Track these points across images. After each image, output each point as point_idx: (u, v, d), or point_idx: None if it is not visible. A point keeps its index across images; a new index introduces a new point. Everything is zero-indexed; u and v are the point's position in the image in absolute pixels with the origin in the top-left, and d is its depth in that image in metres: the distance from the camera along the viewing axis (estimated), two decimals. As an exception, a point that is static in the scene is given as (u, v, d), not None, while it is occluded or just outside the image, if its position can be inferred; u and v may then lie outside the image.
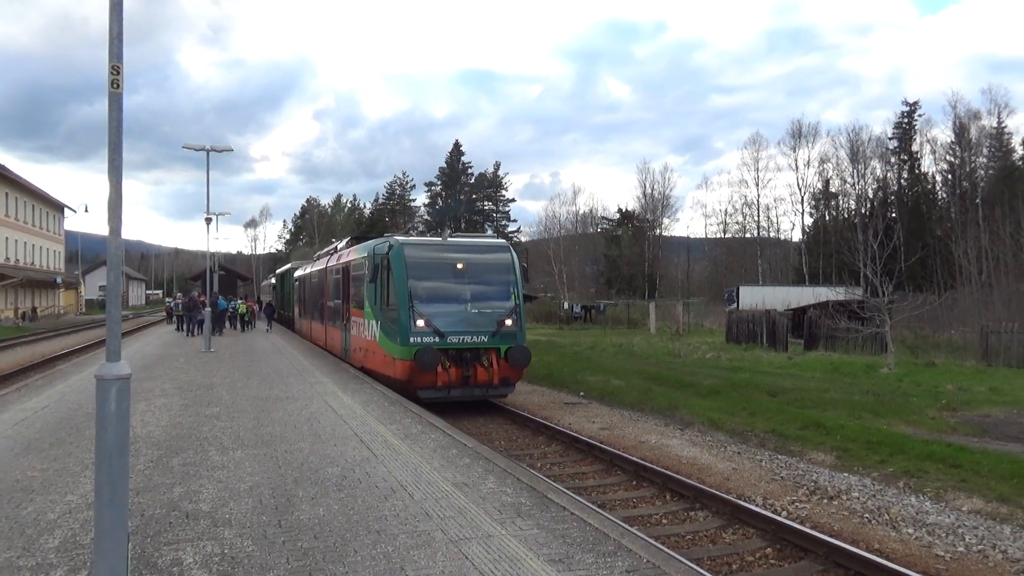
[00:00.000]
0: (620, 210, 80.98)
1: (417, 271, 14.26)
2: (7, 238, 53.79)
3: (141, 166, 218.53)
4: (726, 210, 77.04)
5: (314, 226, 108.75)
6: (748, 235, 75.00)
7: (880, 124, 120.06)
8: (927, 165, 67.00)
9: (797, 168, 71.18)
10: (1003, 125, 63.89)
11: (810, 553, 7.00)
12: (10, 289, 52.05)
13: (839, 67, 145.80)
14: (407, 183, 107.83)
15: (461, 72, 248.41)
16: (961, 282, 47.20)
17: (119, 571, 4.41)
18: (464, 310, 14.28)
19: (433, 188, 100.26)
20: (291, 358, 20.69)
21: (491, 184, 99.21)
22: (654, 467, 9.97)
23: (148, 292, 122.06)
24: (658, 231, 78.48)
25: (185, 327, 31.85)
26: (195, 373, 16.74)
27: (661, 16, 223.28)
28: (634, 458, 10.48)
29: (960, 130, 62.95)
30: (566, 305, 57.37)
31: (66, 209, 69.60)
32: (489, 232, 75.85)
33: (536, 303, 57.61)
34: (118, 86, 4.65)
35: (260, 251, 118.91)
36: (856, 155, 67.56)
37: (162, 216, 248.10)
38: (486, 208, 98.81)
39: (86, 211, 73.57)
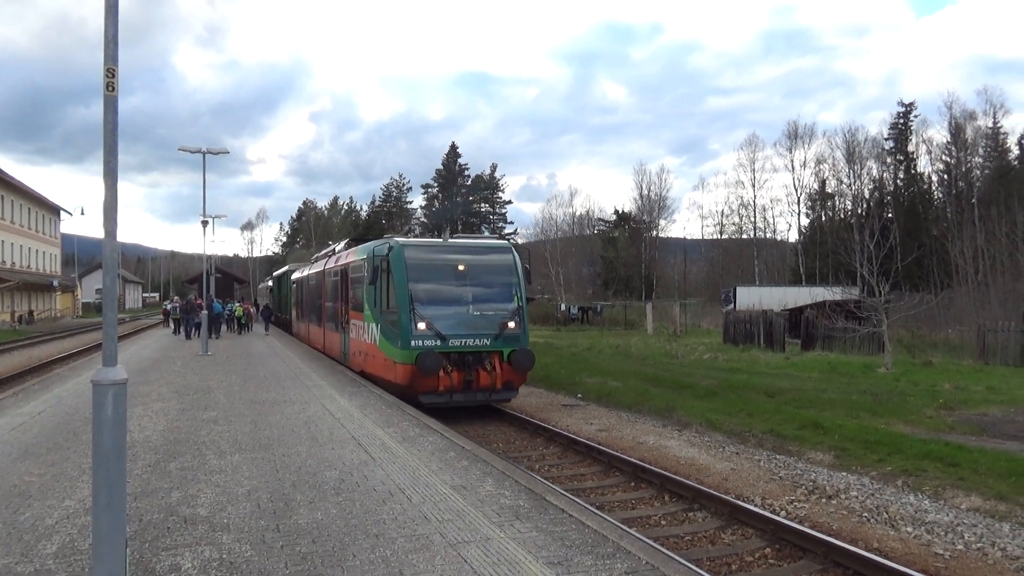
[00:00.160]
0: (617, 212, 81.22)
1: (418, 273, 13.97)
2: (3, 241, 53.66)
3: (137, 168, 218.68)
4: (723, 211, 77.20)
5: (311, 229, 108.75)
6: (745, 236, 75.11)
7: (876, 125, 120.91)
8: (923, 165, 67.28)
9: (793, 169, 71.40)
10: (999, 125, 64.21)
11: (809, 552, 7.00)
12: (6, 292, 51.93)
13: (835, 69, 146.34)
14: (404, 185, 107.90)
15: (458, 74, 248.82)
16: (957, 281, 47.28)
17: (117, 576, 4.39)
18: (466, 312, 13.96)
19: (430, 190, 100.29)
20: (288, 361, 20.66)
21: (488, 186, 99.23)
22: (652, 468, 9.96)
23: (145, 295, 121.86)
24: (655, 232, 78.60)
25: (183, 330, 31.80)
26: (192, 377, 16.70)
27: (657, 18, 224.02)
28: (632, 459, 10.48)
29: (956, 130, 63.12)
30: (563, 307, 57.38)
31: (62, 212, 69.50)
32: (486, 234, 75.79)
33: (533, 305, 57.49)
34: (113, 89, 4.64)
35: (257, 254, 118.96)
36: (852, 156, 67.76)
37: (158, 219, 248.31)
38: (483, 210, 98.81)
39: (82, 214, 73.11)
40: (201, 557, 5.23)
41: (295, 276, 32.52)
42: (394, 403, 12.64)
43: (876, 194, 66.97)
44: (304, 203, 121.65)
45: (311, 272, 26.60)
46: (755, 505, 8.47)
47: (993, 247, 46.42)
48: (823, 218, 69.97)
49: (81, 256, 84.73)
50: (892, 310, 23.80)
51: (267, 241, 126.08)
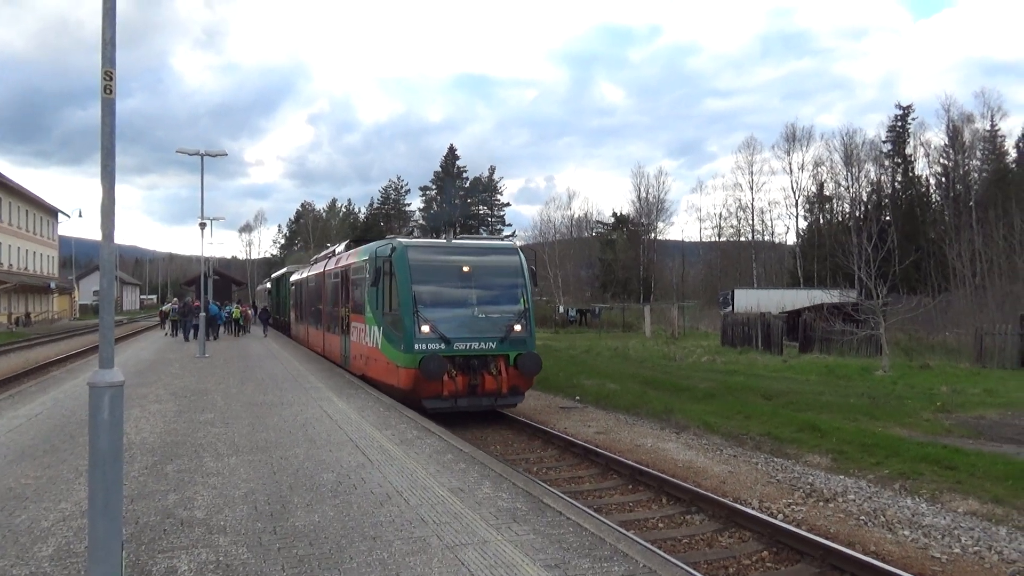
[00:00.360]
0: (615, 214, 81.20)
1: (421, 274, 13.62)
2: (0, 243, 53.60)
3: (135, 171, 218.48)
4: (721, 214, 77.28)
5: (309, 231, 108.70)
6: (743, 238, 75.16)
7: (874, 127, 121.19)
8: (921, 168, 67.37)
9: (791, 171, 71.38)
10: (996, 128, 64.31)
11: (806, 556, 7.00)
12: (4, 294, 51.83)
13: (833, 71, 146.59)
14: (402, 187, 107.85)
15: (456, 76, 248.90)
16: (955, 284, 47.36)
17: (113, 579, 4.38)
18: (471, 315, 13.61)
19: (428, 192, 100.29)
20: (286, 363, 20.64)
21: (486, 188, 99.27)
22: (650, 471, 9.96)
23: (143, 297, 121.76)
24: (653, 235, 78.56)
25: (181, 332, 31.78)
26: (189, 379, 16.68)
27: (656, 20, 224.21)
28: (630, 462, 10.48)
29: (953, 133, 63.24)
30: (561, 309, 57.36)
31: (60, 214, 69.44)
32: (483, 234, 75.80)
33: (531, 307, 57.39)
34: (111, 92, 4.64)
35: (255, 256, 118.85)
36: (850, 158, 67.83)
37: (156, 221, 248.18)
38: (481, 212, 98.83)
39: (80, 216, 73.06)
40: (197, 560, 5.22)
41: (294, 278, 32.27)
42: (392, 405, 12.63)
43: (874, 197, 67.07)
44: (302, 205, 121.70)
45: (310, 274, 26.34)
46: (753, 508, 8.47)
47: (991, 250, 46.48)
48: (821, 221, 70.05)
49: (79, 258, 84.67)
50: (890, 313, 23.82)
51: (265, 243, 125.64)
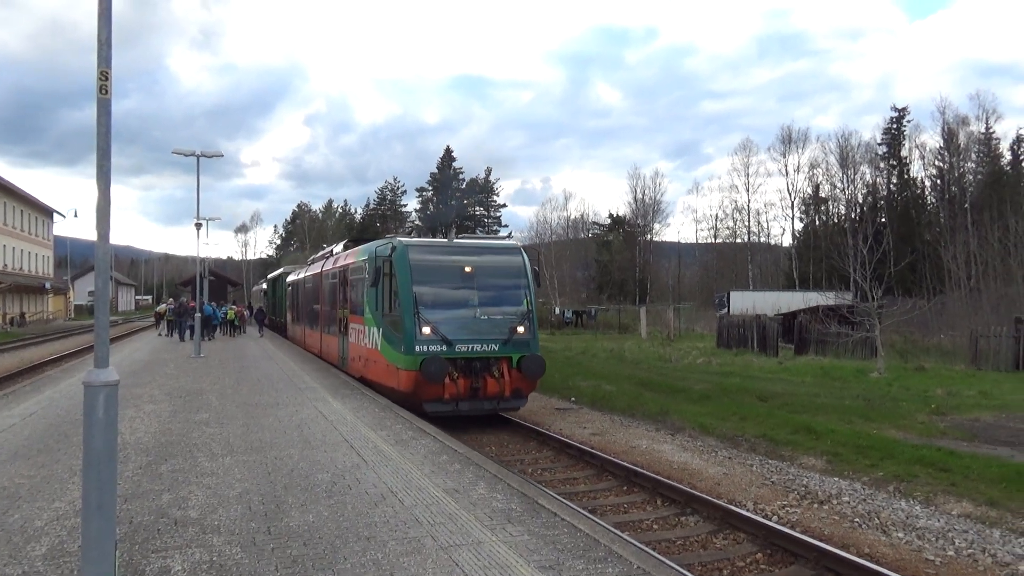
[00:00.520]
0: (611, 215, 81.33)
1: (422, 274, 13.32)
2: (-5, 243, 53.48)
3: (131, 171, 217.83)
4: (717, 215, 77.57)
5: (305, 231, 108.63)
6: (739, 240, 75.31)
7: (869, 130, 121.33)
8: (916, 170, 67.57)
9: (787, 173, 71.61)
10: (991, 130, 64.51)
11: (800, 558, 7.01)
12: (-2, 294, 51.71)
13: (829, 72, 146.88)
14: (398, 188, 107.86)
15: (453, 77, 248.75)
16: (950, 287, 47.47)
17: (106, 579, 4.37)
18: (473, 316, 13.32)
19: (424, 193, 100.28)
20: (281, 364, 20.61)
21: (482, 189, 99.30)
22: (645, 472, 9.97)
23: (138, 297, 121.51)
24: (649, 236, 78.66)
25: (176, 332, 31.74)
26: (185, 379, 16.65)
27: (652, 22, 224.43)
28: (625, 463, 10.48)
29: (949, 135, 63.44)
30: (557, 310, 57.39)
31: (55, 214, 69.31)
32: (478, 234, 75.78)
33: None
34: (107, 92, 4.63)
35: (251, 256, 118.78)
36: (846, 160, 68.00)
37: (152, 221, 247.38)
38: (477, 213, 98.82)
39: (75, 216, 73.28)
40: (191, 559, 5.22)
41: (291, 278, 32.02)
42: (387, 406, 12.62)
43: (869, 199, 67.27)
44: (298, 206, 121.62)
45: (308, 274, 26.10)
46: (747, 510, 8.48)
47: (986, 252, 46.60)
48: (817, 223, 70.21)
49: (74, 258, 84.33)
50: (885, 315, 23.89)
51: (261, 244, 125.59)
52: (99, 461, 4.51)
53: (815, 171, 70.19)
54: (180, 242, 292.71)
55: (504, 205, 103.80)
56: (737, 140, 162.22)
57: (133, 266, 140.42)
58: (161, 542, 5.58)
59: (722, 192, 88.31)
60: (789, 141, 70.95)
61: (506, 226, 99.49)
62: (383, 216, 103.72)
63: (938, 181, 65.24)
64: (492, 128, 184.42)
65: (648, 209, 78.34)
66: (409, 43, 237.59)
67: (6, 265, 55.47)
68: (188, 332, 29.53)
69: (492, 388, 13.07)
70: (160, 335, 35.33)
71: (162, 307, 41.08)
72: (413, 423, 10.96)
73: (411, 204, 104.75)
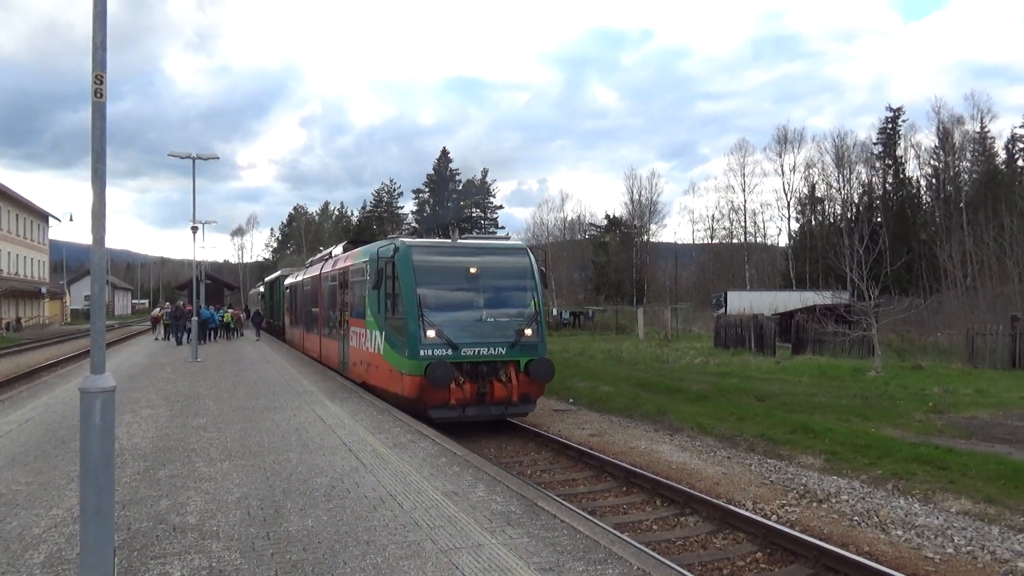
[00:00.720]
0: (608, 216, 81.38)
1: (426, 276, 12.90)
2: (-9, 248, 53.36)
3: (126, 174, 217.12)
4: (713, 216, 77.53)
5: (301, 234, 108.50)
6: (735, 240, 75.41)
7: (865, 130, 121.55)
8: (911, 170, 67.70)
9: (783, 173, 71.69)
10: (986, 130, 64.67)
11: (800, 557, 7.01)
12: (-6, 300, 51.58)
13: (824, 74, 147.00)
14: (395, 190, 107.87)
15: (449, 79, 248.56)
16: (946, 285, 47.55)
17: (105, 586, 4.36)
18: (479, 319, 12.92)
19: (421, 195, 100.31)
20: (279, 367, 20.58)
21: (479, 191, 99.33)
22: (644, 473, 9.97)
23: (134, 301, 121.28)
24: (646, 237, 78.73)
25: (174, 336, 31.70)
26: (182, 383, 16.62)
27: (648, 24, 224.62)
28: (624, 464, 10.49)
29: (944, 135, 63.59)
30: (554, 312, 57.39)
31: (51, 218, 69.14)
32: (480, 234, 75.70)
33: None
34: (101, 95, 4.62)
35: (247, 259, 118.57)
36: (841, 160, 68.13)
37: (147, 224, 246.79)
38: (474, 215, 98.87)
39: (71, 220, 72.76)
40: (190, 565, 5.20)
41: (289, 281, 31.59)
42: (385, 409, 12.60)
43: (865, 198, 67.39)
44: (295, 208, 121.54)
45: (306, 276, 25.66)
46: (746, 509, 8.49)
47: (981, 251, 46.71)
48: (813, 223, 70.30)
49: (70, 263, 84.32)
50: (882, 314, 23.91)
51: (258, 247, 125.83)
52: (96, 467, 4.49)
53: (811, 171, 70.41)
54: (176, 245, 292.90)
55: (501, 206, 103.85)
56: (733, 141, 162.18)
57: (129, 270, 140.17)
58: (160, 548, 5.56)
59: (718, 192, 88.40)
60: (785, 141, 71.13)
61: (503, 228, 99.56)
62: (380, 218, 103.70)
63: (933, 180, 65.38)
64: (488, 129, 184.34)
65: (645, 210, 78.45)
66: (405, 45, 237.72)
67: (1, 270, 55.34)
68: (185, 336, 29.50)
69: (499, 393, 12.68)
70: (157, 339, 35.28)
71: (157, 311, 41.01)
72: (411, 426, 10.95)
73: (408, 206, 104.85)
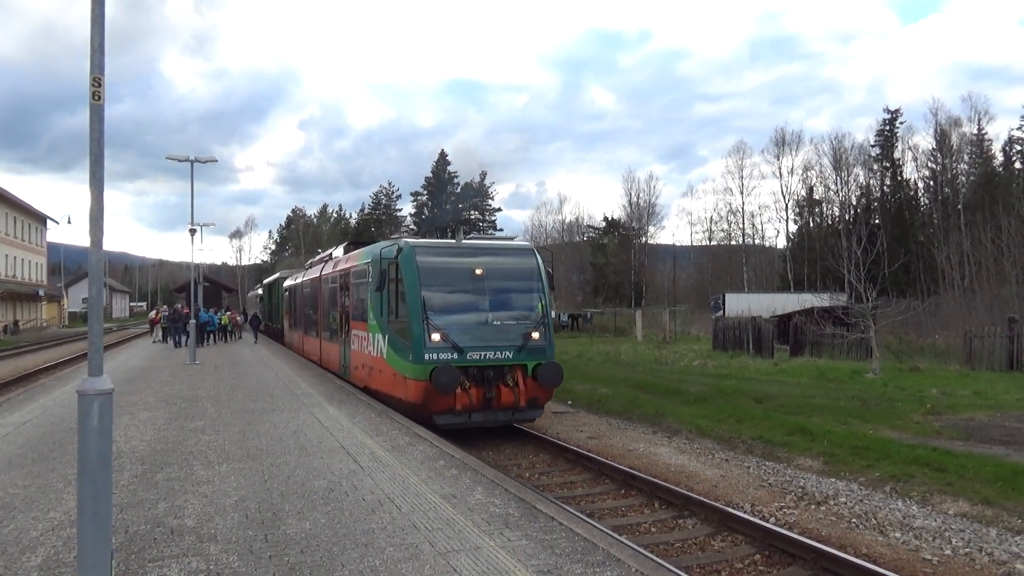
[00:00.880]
0: (606, 218, 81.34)
1: (430, 277, 12.54)
2: (-12, 251, 53.29)
3: (124, 176, 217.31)
4: (711, 218, 77.59)
5: (300, 236, 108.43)
6: (733, 242, 75.44)
7: (862, 132, 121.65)
8: (909, 172, 67.82)
9: (781, 176, 71.83)
10: (983, 132, 64.83)
11: (798, 559, 7.02)
12: (-9, 303, 51.51)
13: (822, 75, 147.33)
14: (393, 193, 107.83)
15: (447, 82, 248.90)
16: (944, 287, 47.61)
17: (102, 589, 4.35)
18: (485, 322, 12.56)
19: (419, 198, 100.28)
20: (277, 370, 20.56)
21: (477, 193, 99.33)
22: (642, 475, 9.98)
23: (132, 304, 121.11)
24: (644, 239, 78.75)
25: (172, 339, 31.69)
26: (180, 386, 16.60)
27: (646, 25, 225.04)
28: (622, 466, 10.49)
29: (941, 137, 63.72)
30: (552, 313, 57.32)
31: (48, 221, 69.07)
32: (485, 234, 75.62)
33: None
34: (99, 98, 4.62)
35: (245, 262, 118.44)
36: (839, 162, 68.23)
37: (145, 227, 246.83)
38: (472, 217, 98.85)
39: (69, 223, 72.65)
40: (188, 568, 5.19)
41: (288, 283, 31.20)
42: (383, 411, 12.59)
43: (863, 200, 67.45)
44: (293, 211, 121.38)
45: (306, 279, 25.26)
46: (744, 512, 8.49)
47: (979, 253, 46.77)
48: (811, 224, 70.38)
49: (68, 265, 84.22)
50: (879, 316, 23.94)
51: (256, 249, 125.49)
52: (94, 470, 4.49)
53: (809, 173, 70.50)
54: (174, 248, 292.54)
55: (499, 209, 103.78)
56: (731, 143, 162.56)
57: (127, 272, 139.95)
58: (157, 551, 5.55)
59: (716, 195, 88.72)
60: (783, 143, 71.25)
61: (501, 229, 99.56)
62: (378, 221, 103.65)
63: (931, 182, 65.48)
64: (487, 132, 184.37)
65: (643, 212, 78.51)
66: (403, 47, 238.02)
67: (-1, 273, 55.29)
68: (183, 339, 29.48)
69: (506, 398, 12.30)
70: (155, 342, 35.24)
71: (154, 313, 40.97)
72: (409, 428, 10.94)
73: (406, 208, 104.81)
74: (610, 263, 74.31)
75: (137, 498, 7.04)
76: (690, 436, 13.07)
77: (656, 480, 9.72)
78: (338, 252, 21.42)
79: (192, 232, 29.69)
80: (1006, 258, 42.63)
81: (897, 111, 68.24)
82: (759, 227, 75.44)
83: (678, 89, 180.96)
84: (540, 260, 13.72)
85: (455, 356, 12.04)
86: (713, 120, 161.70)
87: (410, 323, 12.30)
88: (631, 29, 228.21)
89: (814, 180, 70.25)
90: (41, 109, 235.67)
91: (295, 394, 14.95)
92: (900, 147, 67.67)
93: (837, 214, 68.55)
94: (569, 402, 17.41)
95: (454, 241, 13.66)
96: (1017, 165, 64.60)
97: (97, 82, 4.60)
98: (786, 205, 71.76)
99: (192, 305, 30.46)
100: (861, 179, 68.64)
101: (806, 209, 70.97)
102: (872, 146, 68.67)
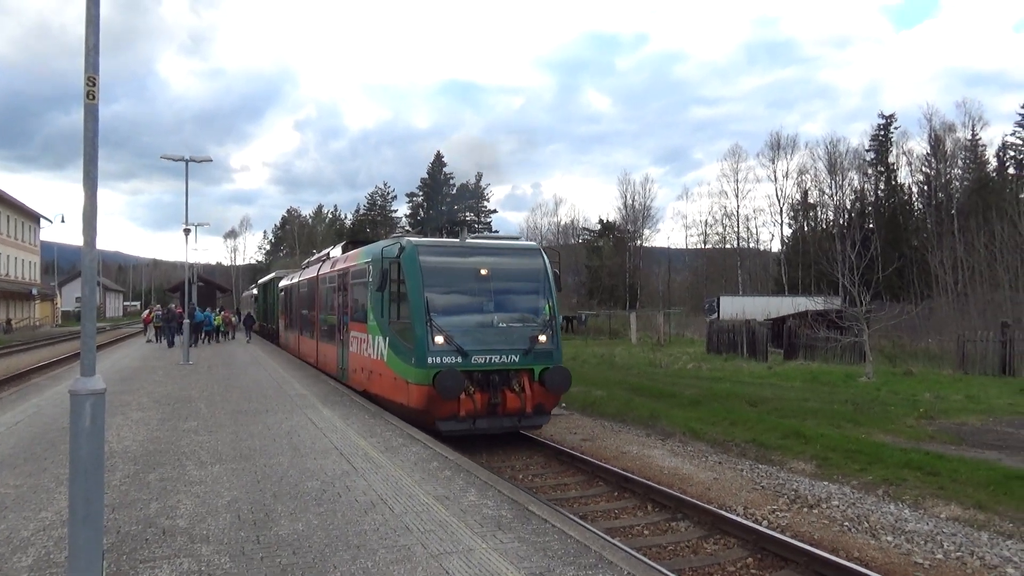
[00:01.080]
0: (601, 221, 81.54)
1: (434, 278, 12.10)
2: (-19, 249, 53.06)
3: (119, 176, 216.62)
4: (706, 221, 77.91)
5: (295, 237, 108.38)
6: (728, 246, 75.64)
7: (857, 136, 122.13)
8: (903, 176, 68.17)
9: (776, 179, 72.08)
10: (977, 137, 65.18)
11: (791, 562, 7.03)
12: (-16, 301, 51.28)
13: (817, 80, 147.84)
14: (388, 194, 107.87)
15: (443, 83, 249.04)
16: (937, 292, 47.79)
17: (93, 589, 4.34)
18: (490, 324, 12.14)
19: (415, 199, 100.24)
20: (271, 371, 20.52)
21: (473, 195, 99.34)
22: (636, 478, 9.98)
23: (126, 303, 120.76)
24: (639, 242, 78.94)
25: (165, 339, 31.62)
26: (173, 386, 16.55)
27: (643, 28, 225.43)
28: (616, 469, 10.49)
29: (935, 142, 64.06)
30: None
31: (42, 219, 68.86)
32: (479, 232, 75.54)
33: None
34: (94, 97, 4.61)
35: (240, 262, 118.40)
36: (834, 167, 68.52)
37: (140, 227, 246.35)
38: (468, 219, 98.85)
39: (62, 221, 72.76)
40: (179, 569, 5.18)
41: (283, 283, 30.64)
42: (377, 412, 12.57)
43: (857, 205, 67.75)
44: (288, 211, 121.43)
45: (302, 279, 24.78)
46: (737, 515, 8.50)
47: (972, 258, 46.95)
48: (805, 228, 70.64)
49: (61, 264, 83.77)
50: (873, 320, 24.01)
51: (250, 249, 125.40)
52: (86, 470, 4.47)
53: (803, 177, 70.78)
54: (169, 247, 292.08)
55: (495, 210, 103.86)
56: (726, 146, 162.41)
57: (121, 272, 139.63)
58: (149, 552, 5.54)
59: (711, 198, 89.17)
60: (778, 147, 71.52)
61: (496, 231, 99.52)
62: (373, 221, 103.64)
63: (925, 187, 65.82)
64: (483, 133, 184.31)
65: (638, 215, 78.70)
66: (399, 49, 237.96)
67: (-8, 272, 55.06)
68: (176, 339, 29.41)
69: (512, 404, 11.84)
70: (148, 341, 35.13)
71: (147, 313, 40.86)
72: (403, 430, 10.93)
73: (401, 209, 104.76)
74: (605, 265, 74.44)
75: (129, 498, 7.02)
76: (684, 439, 13.09)
77: (649, 483, 9.72)
78: (336, 251, 21.02)
79: (187, 232, 29.59)
80: (999, 263, 42.81)
81: (892, 116, 68.64)
82: (754, 230, 75.76)
83: (674, 92, 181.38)
84: (547, 260, 13.31)
85: (459, 360, 11.61)
86: (709, 123, 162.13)
87: (412, 325, 11.87)
88: (627, 32, 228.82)
89: (809, 184, 70.64)
90: (35, 108, 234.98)
91: (289, 395, 14.92)
92: (894, 152, 68.12)
93: (831, 218, 68.87)
94: (563, 404, 17.39)
95: (457, 240, 13.21)
96: (1011, 170, 64.92)
97: (92, 82, 4.59)
98: (781, 209, 72.11)
99: (186, 305, 30.39)
100: (855, 183, 69.05)
101: (800, 213, 71.24)
102: (867, 151, 69.05)
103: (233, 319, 42.04)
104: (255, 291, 49.77)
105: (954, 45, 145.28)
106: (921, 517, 8.39)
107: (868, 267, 24.11)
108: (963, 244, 48.87)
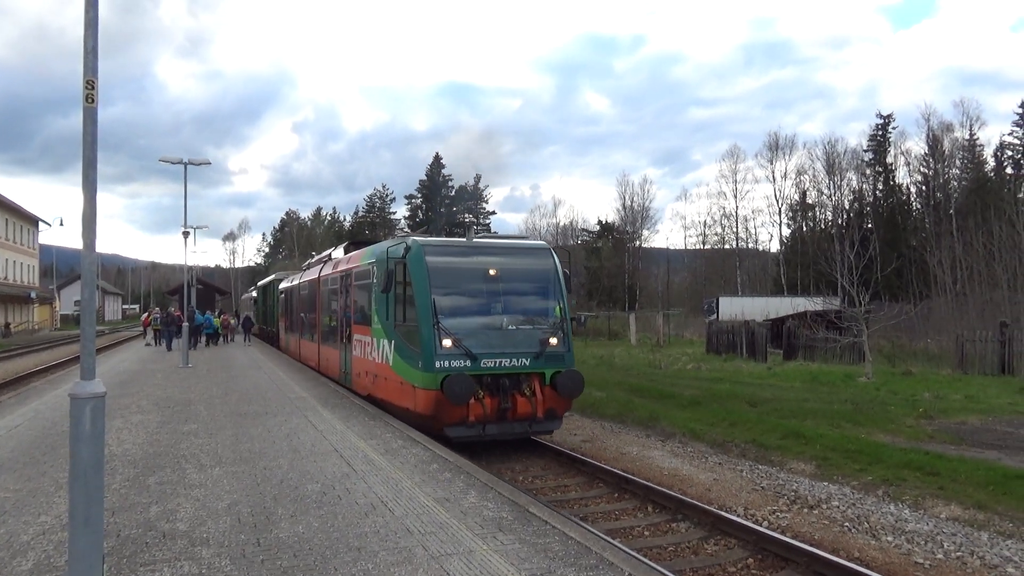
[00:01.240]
0: (600, 222, 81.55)
1: (441, 278, 11.71)
2: (-20, 253, 53.02)
3: (117, 179, 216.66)
4: (705, 221, 77.95)
5: (293, 239, 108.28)
6: (727, 246, 75.66)
7: (855, 136, 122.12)
8: (901, 176, 68.21)
9: (774, 180, 72.09)
10: (975, 137, 65.25)
11: (791, 562, 7.03)
12: (-17, 305, 51.23)
13: (815, 80, 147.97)
14: (387, 196, 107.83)
15: (442, 85, 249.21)
16: (936, 292, 47.77)
17: (94, 593, 4.33)
18: (500, 327, 11.76)
19: (413, 201, 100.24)
20: (270, 373, 20.50)
21: (471, 196, 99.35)
22: (636, 479, 9.98)
23: (125, 307, 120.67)
24: (638, 243, 78.93)
25: (164, 342, 31.60)
26: (172, 389, 16.54)
27: (640, 30, 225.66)
28: (616, 470, 10.49)
29: (933, 142, 64.11)
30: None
31: (41, 223, 68.80)
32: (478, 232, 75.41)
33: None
34: (93, 100, 4.62)
35: (239, 264, 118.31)
36: (832, 167, 68.54)
37: (138, 230, 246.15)
38: (466, 220, 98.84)
39: (61, 225, 72.87)
40: (180, 572, 5.17)
41: (284, 285, 30.25)
42: (377, 414, 12.56)
43: (856, 205, 67.79)
44: (287, 213, 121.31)
45: (303, 281, 24.40)
46: (738, 515, 8.50)
47: (970, 257, 46.94)
48: (804, 229, 70.66)
49: (60, 268, 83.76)
50: (872, 320, 24.02)
51: (249, 252, 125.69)
52: (86, 474, 4.47)
53: (802, 177, 70.80)
54: (167, 250, 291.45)
55: (494, 212, 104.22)
56: (725, 147, 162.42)
57: (120, 275, 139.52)
58: (149, 555, 5.53)
59: (710, 199, 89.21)
60: (776, 148, 71.53)
61: (495, 232, 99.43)
62: (372, 224, 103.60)
63: (923, 187, 65.85)
64: (481, 135, 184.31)
65: (637, 216, 78.67)
66: (397, 51, 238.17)
67: (-9, 275, 55.01)
68: (176, 342, 29.40)
69: (523, 409, 11.44)
70: (148, 344, 35.11)
71: (144, 316, 40.86)
72: (403, 432, 10.92)
73: (400, 211, 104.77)
74: (604, 266, 74.42)
75: (129, 502, 7.01)
76: (683, 440, 13.09)
77: (649, 484, 9.72)
78: (338, 252, 20.65)
79: (185, 234, 29.55)
80: (997, 263, 42.79)
81: (889, 116, 68.70)
82: (752, 231, 75.73)
83: (672, 94, 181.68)
84: (557, 260, 12.91)
85: (468, 363, 11.21)
86: (707, 124, 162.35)
87: (419, 327, 11.47)
88: (625, 34, 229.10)
89: (807, 184, 70.64)
90: (33, 111, 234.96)
91: (288, 397, 14.91)
92: (892, 152, 68.14)
93: (830, 218, 68.89)
94: (563, 406, 17.39)
95: (464, 240, 12.80)
96: (1008, 170, 65.00)
97: (90, 85, 4.59)
98: (779, 209, 72.11)
99: (185, 308, 30.36)
100: (854, 184, 69.07)
101: (799, 213, 71.27)
102: (865, 151, 69.07)
103: (232, 322, 41.99)
104: (254, 293, 49.68)
105: (952, 45, 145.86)
106: (921, 517, 8.39)
107: (867, 267, 24.14)
108: (961, 244, 48.89)
